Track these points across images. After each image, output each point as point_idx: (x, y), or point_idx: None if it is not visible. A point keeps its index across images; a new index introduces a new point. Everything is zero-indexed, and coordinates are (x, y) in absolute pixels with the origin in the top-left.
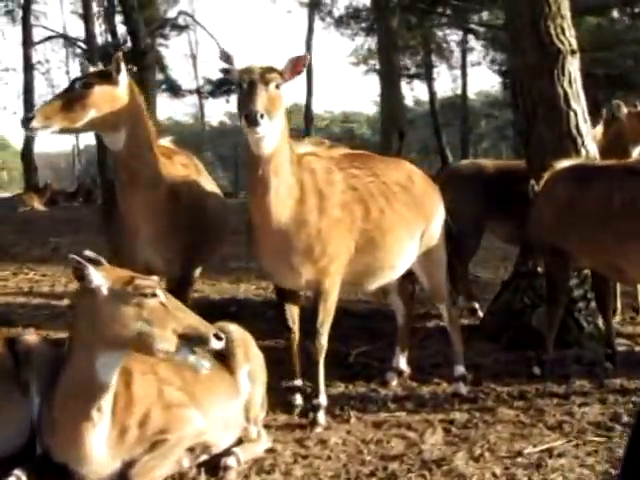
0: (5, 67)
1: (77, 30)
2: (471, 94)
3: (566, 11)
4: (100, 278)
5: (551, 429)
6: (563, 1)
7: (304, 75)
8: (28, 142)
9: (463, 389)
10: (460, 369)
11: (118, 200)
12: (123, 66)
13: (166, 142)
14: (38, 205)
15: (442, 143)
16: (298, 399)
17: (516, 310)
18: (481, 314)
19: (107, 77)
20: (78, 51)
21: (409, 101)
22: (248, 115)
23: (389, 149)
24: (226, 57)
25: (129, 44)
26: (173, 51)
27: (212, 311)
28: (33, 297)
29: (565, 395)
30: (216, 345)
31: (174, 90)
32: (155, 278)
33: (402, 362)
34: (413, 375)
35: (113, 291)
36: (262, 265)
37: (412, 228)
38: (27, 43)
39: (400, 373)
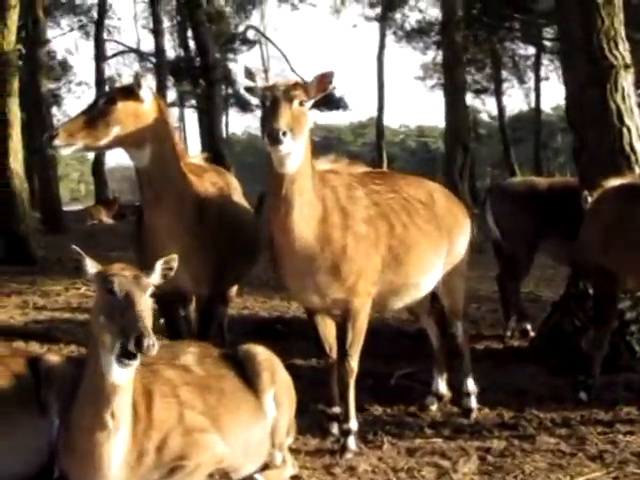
0: (79, 81)
1: (149, 45)
2: (547, 108)
3: (620, 25)
4: (93, 268)
5: (591, 459)
6: (617, 14)
7: (375, 89)
8: (99, 155)
9: (473, 403)
10: (470, 384)
11: (144, 218)
12: (144, 82)
13: (197, 159)
14: (106, 218)
15: (510, 158)
16: (334, 428)
17: (566, 332)
18: (533, 335)
19: (131, 93)
20: (149, 66)
21: (484, 115)
22: (271, 133)
23: (454, 163)
24: (249, 74)
25: (198, 59)
26: (242, 66)
27: (257, 328)
28: (80, 313)
29: (610, 423)
30: (131, 348)
31: (243, 105)
32: (135, 273)
33: (442, 386)
34: (454, 399)
35: (94, 280)
36: (287, 286)
37: (436, 245)
38: (99, 57)
39: (440, 397)
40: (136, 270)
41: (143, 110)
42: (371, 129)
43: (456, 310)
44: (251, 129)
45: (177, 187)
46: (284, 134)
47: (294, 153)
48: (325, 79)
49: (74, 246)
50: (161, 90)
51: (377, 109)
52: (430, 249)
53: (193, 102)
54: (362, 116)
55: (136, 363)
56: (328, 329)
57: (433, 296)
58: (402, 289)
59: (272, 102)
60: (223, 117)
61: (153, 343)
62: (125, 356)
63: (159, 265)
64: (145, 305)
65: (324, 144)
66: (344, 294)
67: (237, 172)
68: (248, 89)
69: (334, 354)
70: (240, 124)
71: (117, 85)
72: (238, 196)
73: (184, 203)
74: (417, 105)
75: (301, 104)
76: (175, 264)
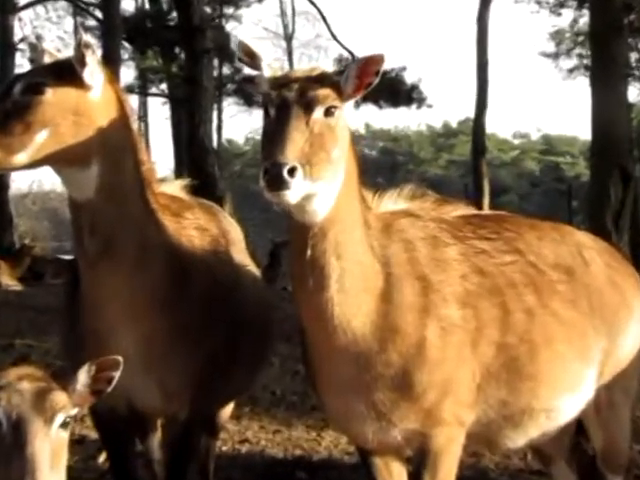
0: None
1: None
2: None
3: None
4: None
5: None
6: None
7: (472, 74)
8: (1, 177)
9: None
10: None
11: (82, 284)
12: (91, 56)
13: (173, 187)
14: (9, 280)
15: None
16: None
17: None
18: None
19: (69, 75)
20: (92, 23)
21: None
22: (268, 170)
23: (606, 199)
24: (247, 54)
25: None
26: (249, 28)
27: (265, 476)
28: None
29: None
30: None
31: (247, 94)
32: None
33: None
34: None
35: None
36: (325, 406)
37: (585, 344)
38: (4, 7)
39: None
40: (45, 380)
41: (89, 104)
42: (464, 139)
43: (615, 455)
44: (259, 133)
45: (140, 235)
46: (291, 172)
47: (320, 194)
48: (370, 66)
49: None
50: (110, 66)
51: (475, 106)
52: (574, 351)
53: (163, 87)
54: (449, 117)
55: None
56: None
57: (577, 429)
58: (523, 417)
59: (279, 109)
60: (214, 113)
61: None
62: None
63: (84, 372)
64: (43, 446)
65: (385, 162)
66: (419, 422)
67: (237, 207)
68: (247, 80)
69: None
70: (241, 125)
71: (44, 60)
72: (239, 250)
73: (151, 262)
74: (542, 102)
75: (329, 112)
76: (119, 368)
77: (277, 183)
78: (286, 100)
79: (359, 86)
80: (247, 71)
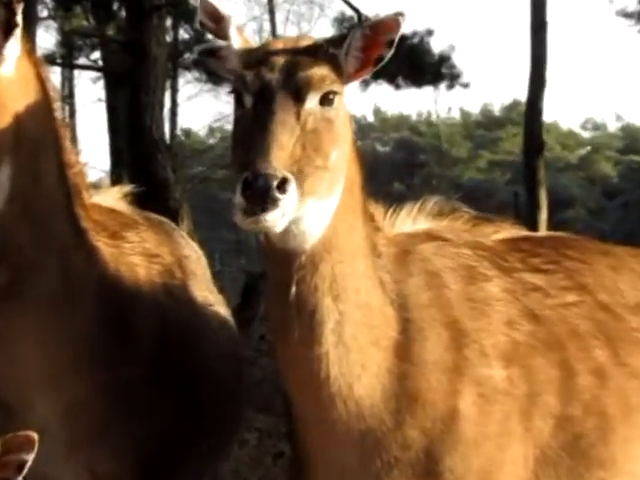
0: None
1: None
2: None
3: None
4: None
5: None
6: None
7: (526, 53)
8: None
9: None
10: None
11: None
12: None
13: (111, 197)
14: None
15: None
16: None
17: None
18: None
19: None
20: None
21: None
22: (250, 184)
23: None
24: (212, 15)
25: None
26: None
27: None
28: None
29: None
30: None
31: (210, 74)
32: None
33: None
34: None
35: None
36: None
37: None
38: None
39: None
40: None
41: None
42: (512, 131)
43: None
44: (229, 122)
45: (63, 263)
46: (280, 186)
47: (313, 211)
48: (381, 33)
49: None
50: (23, 28)
51: (529, 84)
52: None
53: (96, 56)
54: (492, 99)
55: None
56: None
57: None
58: None
59: (256, 102)
60: (166, 93)
61: None
62: None
63: None
64: None
65: (402, 161)
66: None
67: (199, 223)
68: (208, 53)
69: None
70: (204, 110)
71: None
72: (201, 284)
73: (78, 301)
74: (622, 80)
75: (327, 100)
76: (33, 448)
77: (264, 202)
78: (268, 84)
79: (366, 62)
80: (210, 38)
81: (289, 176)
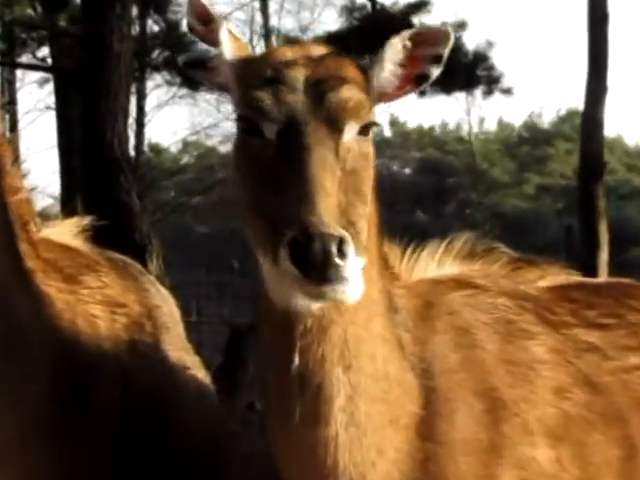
0: None
1: None
2: None
3: None
4: None
5: None
6: None
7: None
8: None
9: None
10: None
11: None
12: None
13: (63, 231)
14: None
15: None
16: None
17: None
18: None
19: None
20: None
21: None
22: (303, 247)
23: None
24: (202, 16)
25: None
26: None
27: None
28: None
29: None
30: None
31: (186, 77)
32: None
33: None
34: None
35: None
36: None
37: None
38: None
39: None
40: None
41: None
42: (564, 148)
43: None
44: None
45: (2, 309)
46: (341, 248)
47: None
48: (428, 43)
49: None
50: None
51: (586, 91)
52: None
53: (44, 53)
54: (540, 109)
55: None
56: None
57: None
58: None
59: (284, 134)
60: (132, 99)
61: None
62: None
63: None
64: None
65: (426, 185)
66: None
67: (171, 263)
68: (193, 64)
69: None
70: (176, 119)
71: None
72: (174, 341)
73: (22, 365)
74: None
75: (365, 130)
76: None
77: (326, 272)
78: (295, 111)
79: (404, 80)
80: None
81: (346, 235)
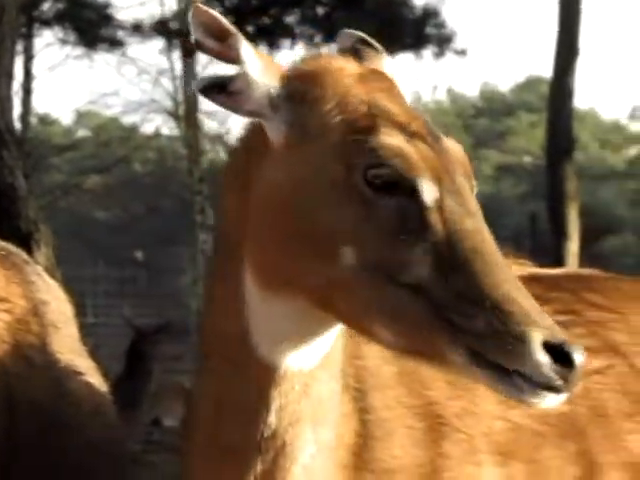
0: None
1: None
2: None
3: None
4: None
5: None
6: None
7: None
8: None
9: None
10: None
11: None
12: None
13: None
14: None
15: None
16: None
17: None
18: None
19: None
20: None
21: None
22: (564, 354)
23: None
24: (216, 30)
25: None
26: None
27: None
28: None
29: None
30: None
31: (83, 25)
32: None
33: None
34: None
35: None
36: None
37: None
38: None
39: None
40: None
41: None
42: (527, 120)
43: None
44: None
45: None
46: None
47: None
48: None
49: None
50: None
51: (555, 56)
52: None
53: None
54: (499, 76)
55: None
56: None
57: None
58: None
59: (448, 199)
60: (17, 62)
61: None
62: None
63: None
64: None
65: None
66: None
67: (64, 252)
68: (211, 88)
69: None
70: (72, 87)
71: None
72: (65, 343)
73: None
74: None
75: None
76: None
77: (573, 380)
78: (455, 168)
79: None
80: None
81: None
